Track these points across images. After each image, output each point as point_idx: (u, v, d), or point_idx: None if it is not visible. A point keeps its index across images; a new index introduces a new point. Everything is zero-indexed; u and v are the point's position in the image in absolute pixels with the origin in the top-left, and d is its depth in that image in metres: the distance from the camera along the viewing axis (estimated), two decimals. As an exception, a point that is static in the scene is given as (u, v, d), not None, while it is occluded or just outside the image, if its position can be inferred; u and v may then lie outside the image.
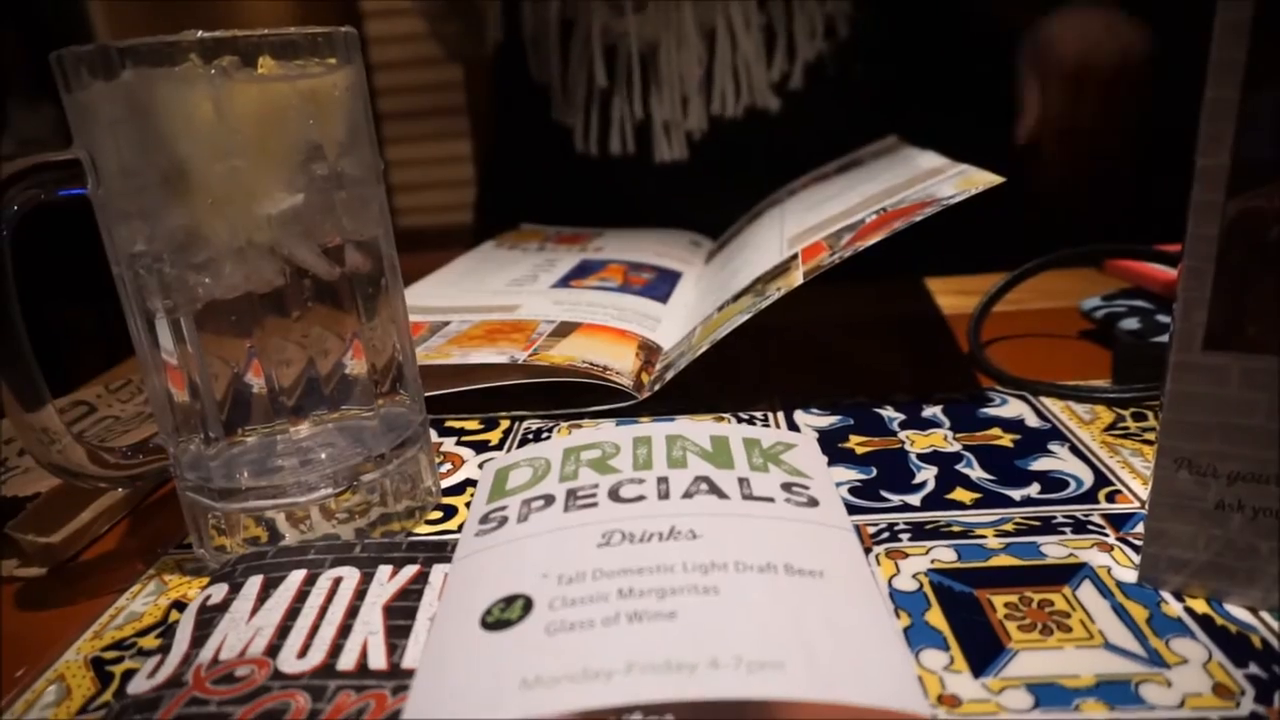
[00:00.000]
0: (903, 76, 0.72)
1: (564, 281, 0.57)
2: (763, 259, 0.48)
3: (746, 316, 0.39)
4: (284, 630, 0.25)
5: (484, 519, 0.28)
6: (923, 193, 0.41)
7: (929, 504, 0.32)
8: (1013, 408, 0.39)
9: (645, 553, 0.24)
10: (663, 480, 0.28)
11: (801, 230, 0.48)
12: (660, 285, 0.57)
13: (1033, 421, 0.38)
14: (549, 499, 0.28)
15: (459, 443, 0.40)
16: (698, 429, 0.31)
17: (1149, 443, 0.35)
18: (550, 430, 0.40)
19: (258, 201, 0.29)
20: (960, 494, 0.32)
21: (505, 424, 0.41)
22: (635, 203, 0.78)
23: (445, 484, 0.36)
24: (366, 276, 0.32)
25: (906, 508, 0.31)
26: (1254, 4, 0.21)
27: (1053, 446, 0.35)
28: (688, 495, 0.27)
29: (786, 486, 0.28)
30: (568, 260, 0.65)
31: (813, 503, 0.28)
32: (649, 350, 0.45)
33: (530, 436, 0.40)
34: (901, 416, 0.39)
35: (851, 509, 0.31)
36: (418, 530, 0.32)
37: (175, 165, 0.28)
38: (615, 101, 0.77)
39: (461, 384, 0.42)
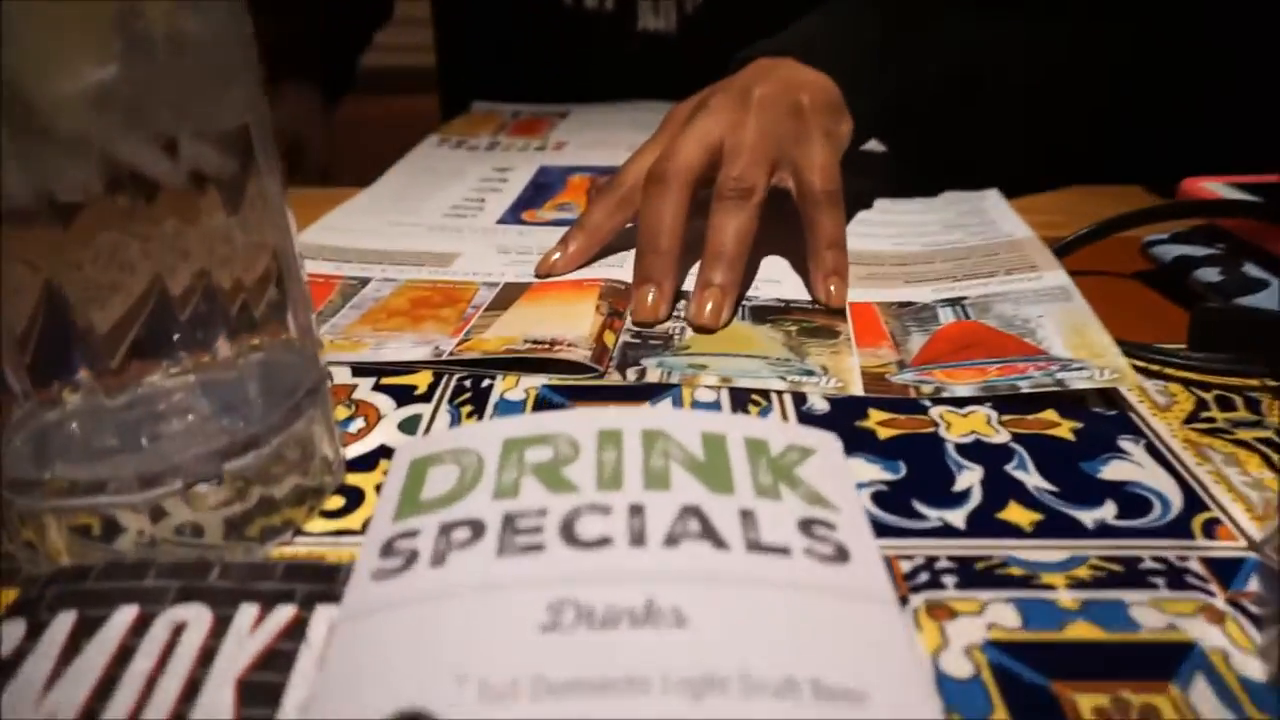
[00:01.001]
0: None
1: (514, 213, 0.49)
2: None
3: (780, 386, 0.31)
4: (90, 715, 0.18)
5: (387, 548, 0.21)
6: (1015, 314, 0.35)
7: (976, 525, 0.24)
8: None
9: (610, 648, 0.17)
10: (637, 511, 0.20)
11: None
12: None
13: (1093, 401, 0.30)
14: (477, 528, 0.20)
15: (376, 387, 0.31)
16: (685, 423, 0.23)
17: (1243, 444, 0.28)
18: (493, 379, 0.32)
19: (52, 76, 0.19)
20: (1015, 512, 0.25)
21: (437, 364, 0.33)
22: (613, 72, 0.67)
23: (353, 451, 0.28)
24: (228, 182, 0.22)
25: (948, 530, 0.24)
26: None
27: (1125, 444, 0.28)
28: (671, 541, 0.19)
29: (805, 526, 0.21)
30: (522, 170, 0.56)
31: (841, 555, 0.20)
32: (615, 295, 0.37)
33: (467, 386, 0.31)
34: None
35: (878, 528, 0.24)
36: (309, 526, 0.25)
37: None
38: None
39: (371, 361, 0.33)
